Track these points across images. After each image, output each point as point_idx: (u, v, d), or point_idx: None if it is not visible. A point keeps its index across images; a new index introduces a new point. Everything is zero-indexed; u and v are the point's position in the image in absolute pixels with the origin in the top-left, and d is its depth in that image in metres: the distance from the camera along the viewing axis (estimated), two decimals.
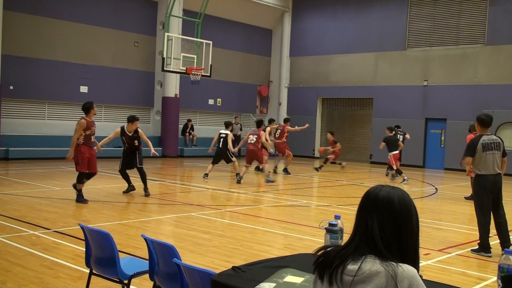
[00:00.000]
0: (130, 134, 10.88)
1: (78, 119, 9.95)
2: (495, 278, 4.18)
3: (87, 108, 9.82)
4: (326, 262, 1.98)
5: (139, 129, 10.97)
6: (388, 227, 1.95)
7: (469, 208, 11.36)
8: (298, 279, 2.75)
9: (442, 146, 21.10)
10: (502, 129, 19.88)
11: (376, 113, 23.02)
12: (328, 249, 2.05)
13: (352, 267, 1.91)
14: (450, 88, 20.99)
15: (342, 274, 1.91)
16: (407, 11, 22.32)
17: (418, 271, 1.93)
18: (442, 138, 21.29)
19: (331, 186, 14.70)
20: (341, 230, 3.25)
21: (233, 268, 2.95)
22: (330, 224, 3.23)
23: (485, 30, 20.35)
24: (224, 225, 8.34)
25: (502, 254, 2.83)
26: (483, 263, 6.53)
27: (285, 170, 16.68)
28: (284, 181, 15.31)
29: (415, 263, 1.97)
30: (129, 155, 11.01)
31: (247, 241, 7.24)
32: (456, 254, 6.99)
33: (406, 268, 1.87)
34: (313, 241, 7.31)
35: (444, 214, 10.59)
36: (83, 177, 9.89)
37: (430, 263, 6.36)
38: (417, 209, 2.02)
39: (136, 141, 10.91)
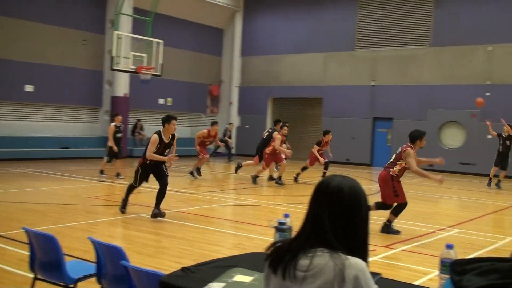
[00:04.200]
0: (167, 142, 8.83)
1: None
2: (437, 272, 4.30)
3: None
4: (279, 258, 1.96)
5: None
6: (337, 218, 1.92)
7: (413, 205, 11.70)
8: (247, 278, 2.77)
9: (389, 144, 21.62)
10: (446, 128, 20.60)
11: (326, 112, 23.35)
12: (279, 244, 2.02)
13: (303, 262, 1.89)
14: (396, 88, 21.55)
15: (294, 270, 1.90)
16: (356, 12, 22.75)
17: (367, 264, 1.91)
18: (389, 137, 21.82)
19: (279, 186, 14.79)
20: (290, 228, 3.29)
21: (183, 268, 2.93)
22: (279, 223, 3.26)
23: (431, 32, 21.00)
24: (174, 225, 8.27)
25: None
26: (427, 258, 6.74)
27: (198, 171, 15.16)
28: (235, 181, 15.30)
29: (364, 255, 1.95)
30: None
31: (197, 241, 7.22)
32: (401, 250, 7.20)
33: (354, 261, 1.86)
34: (263, 240, 7.36)
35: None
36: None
37: (377, 258, 6.52)
38: None
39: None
